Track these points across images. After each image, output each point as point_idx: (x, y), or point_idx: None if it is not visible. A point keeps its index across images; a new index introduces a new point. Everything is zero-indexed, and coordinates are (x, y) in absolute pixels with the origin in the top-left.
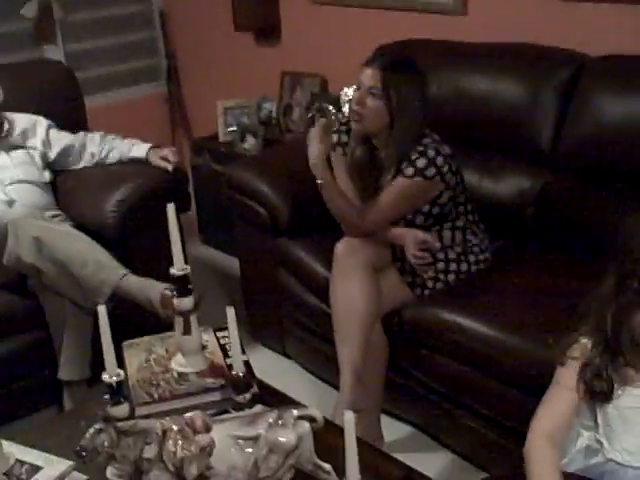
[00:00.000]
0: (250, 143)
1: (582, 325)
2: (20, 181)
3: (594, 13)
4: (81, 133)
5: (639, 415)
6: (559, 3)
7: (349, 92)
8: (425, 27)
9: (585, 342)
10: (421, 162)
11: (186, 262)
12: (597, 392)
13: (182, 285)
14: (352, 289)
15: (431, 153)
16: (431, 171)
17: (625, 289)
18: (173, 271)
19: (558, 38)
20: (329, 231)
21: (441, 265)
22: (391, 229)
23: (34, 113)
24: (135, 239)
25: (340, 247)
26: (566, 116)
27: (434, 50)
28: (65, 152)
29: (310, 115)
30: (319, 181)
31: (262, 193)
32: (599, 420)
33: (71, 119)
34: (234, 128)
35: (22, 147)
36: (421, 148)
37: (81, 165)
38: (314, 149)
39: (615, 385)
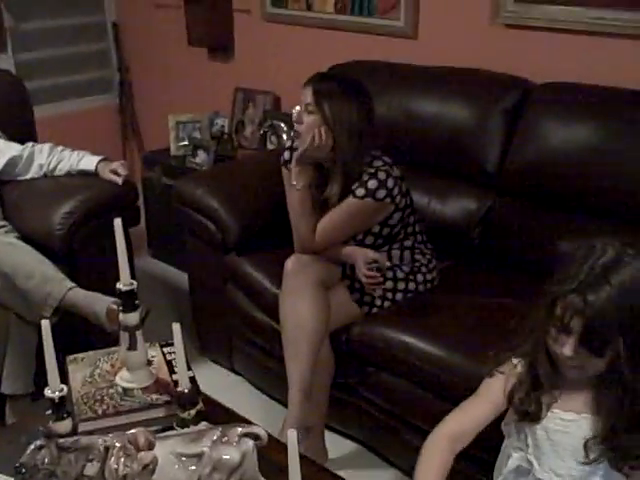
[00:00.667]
0: (201, 158)
1: (520, 344)
2: None
3: (538, 41)
4: (29, 144)
5: (566, 437)
6: (505, 31)
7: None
8: (377, 49)
9: (516, 362)
10: (372, 183)
11: (133, 276)
12: (526, 413)
13: (128, 300)
14: (302, 306)
15: (382, 175)
16: (382, 193)
17: (551, 314)
18: (119, 286)
19: (504, 64)
20: (278, 248)
21: (389, 284)
22: (341, 247)
23: None
24: (82, 252)
25: (290, 264)
26: (512, 140)
27: (384, 72)
28: (12, 162)
29: (262, 132)
30: (296, 184)
31: (212, 209)
32: (529, 441)
33: (20, 130)
34: (186, 142)
35: None
36: (372, 170)
37: (28, 176)
38: (306, 144)
39: (543, 407)
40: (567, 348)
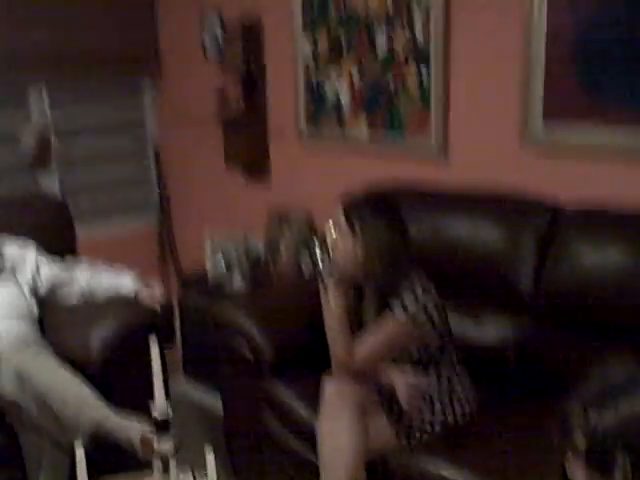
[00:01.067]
0: (237, 282)
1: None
2: (9, 317)
3: (566, 167)
4: (69, 259)
5: None
6: (534, 156)
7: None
8: (409, 170)
9: None
10: (413, 307)
11: (168, 398)
12: None
13: (163, 429)
14: (340, 431)
15: (423, 299)
16: (422, 316)
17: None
18: (155, 414)
19: (533, 187)
20: (315, 373)
21: (428, 416)
22: (381, 369)
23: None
24: (118, 374)
25: (329, 388)
26: (545, 264)
27: (415, 193)
28: (54, 287)
29: (297, 258)
30: (333, 304)
31: (248, 333)
32: None
33: (62, 248)
34: (222, 262)
35: (12, 281)
36: (412, 294)
37: (71, 302)
38: (342, 265)
39: None
40: (576, 469)
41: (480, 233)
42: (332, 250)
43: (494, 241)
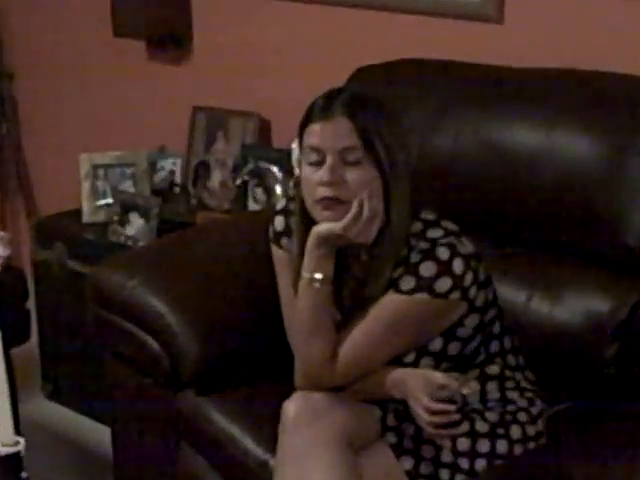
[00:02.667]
0: (136, 227)
1: None
2: None
3: None
4: None
5: None
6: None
7: None
8: (435, 40)
9: None
10: (428, 268)
11: (18, 429)
12: None
13: (10, 470)
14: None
15: (444, 253)
16: (445, 283)
17: None
18: None
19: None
20: (266, 381)
21: (465, 442)
22: (382, 374)
23: None
24: None
25: (293, 408)
26: None
27: (450, 79)
28: None
29: (240, 182)
30: (318, 276)
31: (154, 314)
32: None
33: None
34: (109, 200)
35: None
36: (425, 245)
37: None
38: (363, 214)
39: None
40: None
41: (558, 145)
42: (337, 197)
43: (583, 160)
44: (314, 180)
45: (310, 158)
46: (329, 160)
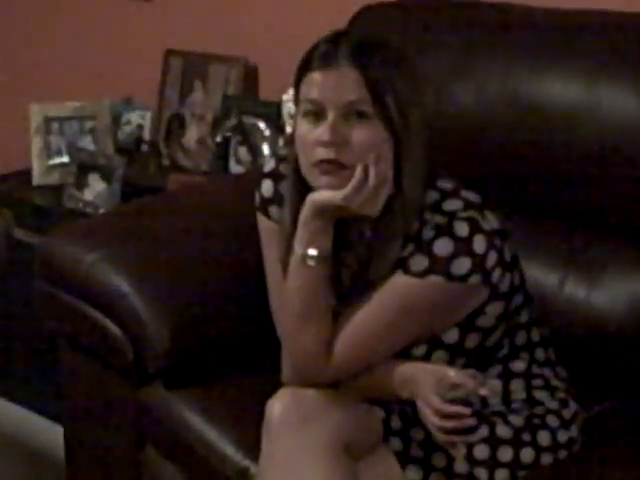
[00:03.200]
0: (96, 190)
1: None
2: None
3: None
4: None
5: None
6: None
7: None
8: None
9: None
10: (443, 246)
11: None
12: None
13: None
14: None
15: (462, 229)
16: (463, 264)
17: None
18: None
19: None
20: (246, 375)
21: (484, 450)
22: (387, 368)
23: None
24: None
25: (279, 406)
26: None
27: (469, 20)
28: None
29: (220, 139)
30: (313, 252)
31: (118, 296)
32: None
33: None
34: (65, 159)
35: None
36: (441, 218)
37: None
38: (371, 180)
39: None
40: None
41: (601, 100)
42: (339, 160)
43: (631, 119)
44: (311, 139)
45: (308, 113)
46: (331, 116)
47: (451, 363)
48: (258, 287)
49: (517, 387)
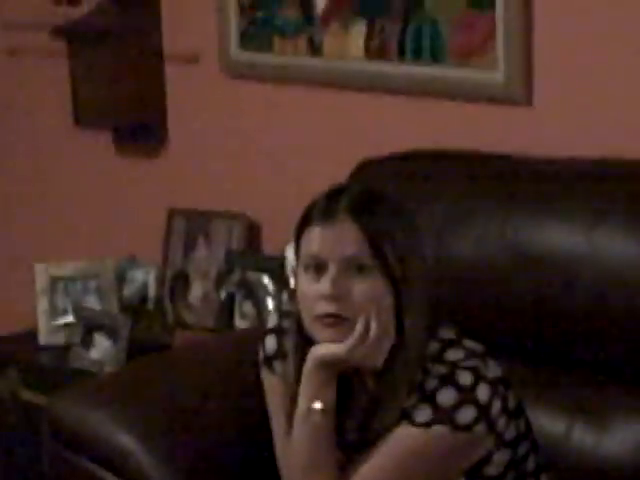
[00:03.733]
0: (101, 350)
1: None
2: None
3: None
4: None
5: None
6: None
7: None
8: (452, 126)
9: None
10: (447, 396)
11: None
12: None
13: None
14: None
15: (466, 378)
16: (468, 413)
17: None
18: None
19: None
20: None
21: None
22: None
23: None
24: None
25: None
26: None
27: (467, 171)
28: None
29: (225, 295)
30: (318, 406)
31: (124, 455)
32: None
33: None
34: (70, 319)
35: None
36: (444, 368)
37: None
38: (372, 333)
39: None
40: None
41: (600, 248)
42: (339, 314)
43: (630, 266)
44: (313, 293)
45: (309, 267)
46: (332, 270)
47: None
48: (264, 443)
49: None
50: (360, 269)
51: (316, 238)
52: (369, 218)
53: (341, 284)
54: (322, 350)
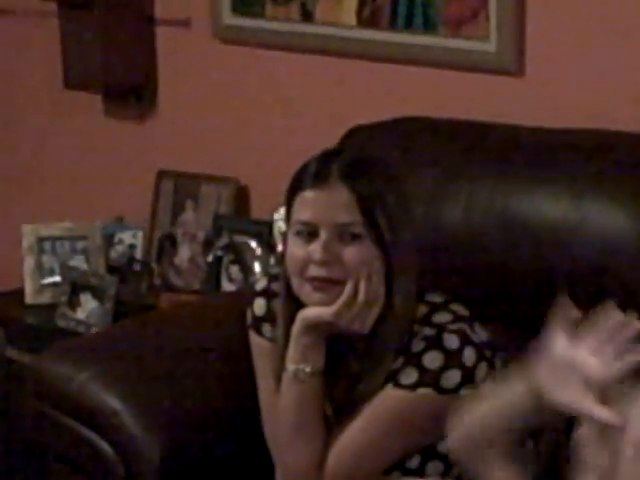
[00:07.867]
0: (88, 310)
1: None
2: None
3: None
4: None
5: None
6: None
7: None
8: (444, 95)
9: None
10: (433, 359)
11: None
12: None
13: None
14: None
15: (452, 341)
16: (453, 377)
17: None
18: None
19: None
20: None
21: None
22: None
23: None
24: None
25: None
26: None
27: (457, 140)
28: None
29: (212, 258)
30: (306, 368)
31: (109, 414)
32: None
33: None
34: (57, 279)
35: None
36: (430, 331)
37: None
38: (361, 295)
39: None
40: None
41: (589, 218)
42: (331, 277)
43: (619, 236)
44: (303, 256)
45: (299, 231)
46: (323, 235)
47: (446, 474)
48: (249, 405)
49: None
50: (351, 236)
51: (308, 204)
52: (361, 184)
53: (332, 249)
54: (310, 313)
